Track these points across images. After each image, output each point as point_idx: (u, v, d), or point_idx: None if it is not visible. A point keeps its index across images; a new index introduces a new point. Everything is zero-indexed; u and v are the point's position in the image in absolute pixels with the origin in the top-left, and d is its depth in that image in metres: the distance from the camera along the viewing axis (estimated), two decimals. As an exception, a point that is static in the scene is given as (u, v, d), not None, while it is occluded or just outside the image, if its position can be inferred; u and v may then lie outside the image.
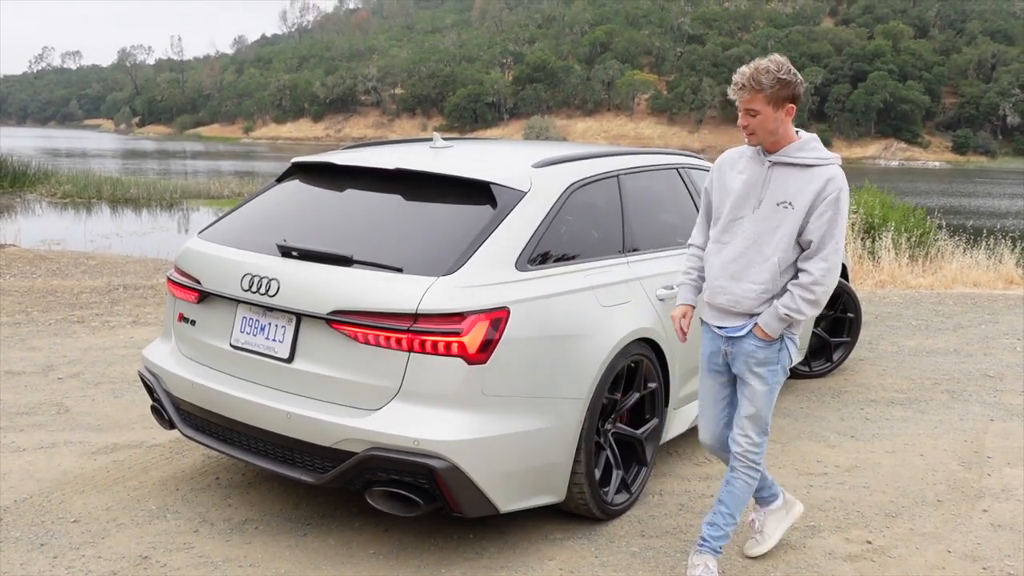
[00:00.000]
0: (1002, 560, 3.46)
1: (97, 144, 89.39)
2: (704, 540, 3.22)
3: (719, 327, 3.19)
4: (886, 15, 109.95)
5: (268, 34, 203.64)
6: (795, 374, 5.83)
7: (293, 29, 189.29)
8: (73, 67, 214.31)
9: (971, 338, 7.46)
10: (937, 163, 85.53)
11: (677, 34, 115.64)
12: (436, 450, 2.99)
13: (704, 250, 3.30)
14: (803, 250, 3.04)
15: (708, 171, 4.96)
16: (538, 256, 3.41)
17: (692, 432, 4.54)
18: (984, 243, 13.02)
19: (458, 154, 3.89)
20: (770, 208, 3.04)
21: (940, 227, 14.85)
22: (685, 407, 4.30)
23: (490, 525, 3.55)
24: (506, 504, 3.23)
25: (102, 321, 7.31)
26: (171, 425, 3.69)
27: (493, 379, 3.10)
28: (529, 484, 3.30)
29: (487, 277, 3.17)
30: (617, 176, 4.07)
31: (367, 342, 3.08)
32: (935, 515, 3.86)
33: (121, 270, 10.36)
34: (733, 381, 3.25)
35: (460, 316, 3.04)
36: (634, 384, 3.80)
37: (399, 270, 3.14)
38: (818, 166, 3.02)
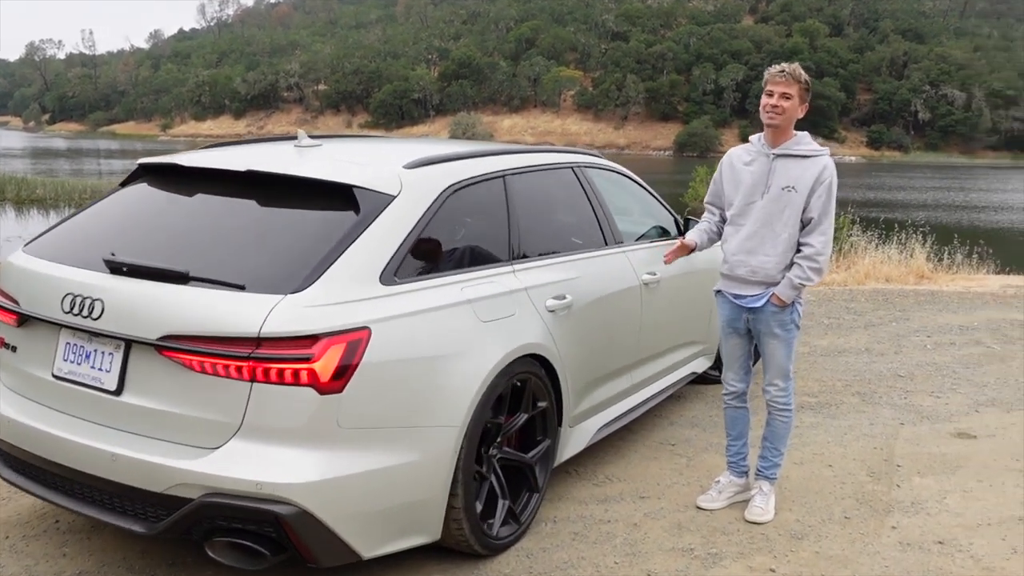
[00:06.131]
0: (910, 584, 3.25)
1: (4, 142, 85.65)
2: (759, 470, 3.89)
3: (737, 296, 3.71)
4: (803, 13, 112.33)
5: (186, 28, 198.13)
6: (706, 380, 5.60)
7: (212, 23, 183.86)
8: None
9: (882, 336, 7.38)
10: (853, 157, 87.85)
11: (602, 31, 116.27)
12: (282, 494, 2.62)
13: (715, 216, 3.89)
14: (804, 226, 3.58)
15: (609, 170, 4.70)
16: (408, 268, 3.06)
17: (591, 450, 4.24)
18: (896, 237, 13.10)
19: (324, 154, 3.49)
20: (777, 192, 3.60)
21: (854, 222, 14.96)
22: (582, 424, 3.99)
23: (360, 570, 3.18)
24: (370, 550, 2.86)
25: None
26: (-10, 468, 3.21)
27: (350, 410, 2.73)
28: (397, 525, 2.94)
29: (345, 294, 2.80)
30: (503, 177, 3.74)
31: (204, 371, 2.68)
32: (842, 535, 3.64)
33: None
34: (751, 339, 3.80)
35: (311, 339, 2.67)
36: (521, 404, 3.47)
37: (241, 287, 2.74)
38: (813, 156, 3.61)
